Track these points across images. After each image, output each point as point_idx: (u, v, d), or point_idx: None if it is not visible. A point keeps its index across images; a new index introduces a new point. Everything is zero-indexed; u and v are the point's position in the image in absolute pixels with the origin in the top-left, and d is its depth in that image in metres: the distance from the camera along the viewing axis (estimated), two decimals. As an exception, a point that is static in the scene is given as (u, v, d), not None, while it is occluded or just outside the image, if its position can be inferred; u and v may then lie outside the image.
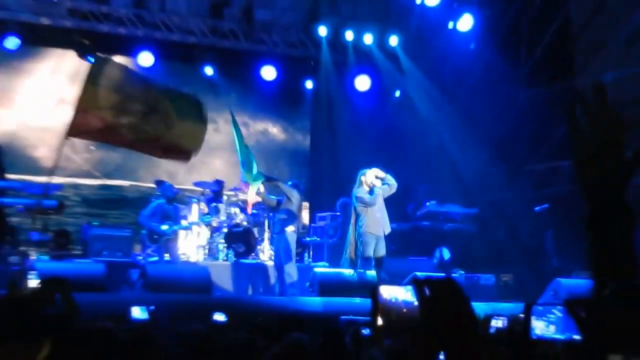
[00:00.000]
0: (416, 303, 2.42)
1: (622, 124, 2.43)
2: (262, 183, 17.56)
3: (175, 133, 15.38)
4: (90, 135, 15.76)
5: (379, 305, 9.82)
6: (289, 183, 17.49)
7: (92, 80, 15.31)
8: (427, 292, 2.37)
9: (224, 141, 22.05)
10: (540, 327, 7.14)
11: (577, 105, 2.46)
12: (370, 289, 10.78)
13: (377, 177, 16.36)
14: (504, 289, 16.94)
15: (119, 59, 20.08)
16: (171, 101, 16.16)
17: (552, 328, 7.09)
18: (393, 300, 9.60)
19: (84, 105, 14.82)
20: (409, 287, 9.25)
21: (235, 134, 17.91)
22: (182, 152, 15.91)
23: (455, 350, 2.38)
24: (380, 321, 9.76)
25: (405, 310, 9.35)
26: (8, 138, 19.15)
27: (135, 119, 15.58)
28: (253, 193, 17.56)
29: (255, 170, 17.60)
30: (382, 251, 16.44)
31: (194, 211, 18.31)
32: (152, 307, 10.48)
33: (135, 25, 21.03)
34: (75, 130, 14.85)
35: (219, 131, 21.99)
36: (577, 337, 2.65)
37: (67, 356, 4.59)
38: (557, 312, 6.63)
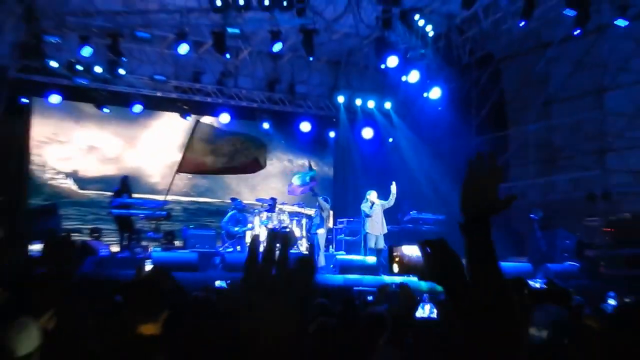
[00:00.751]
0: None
1: (499, 178, 2.41)
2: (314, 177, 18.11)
3: (249, 155, 15.87)
4: (193, 170, 16.24)
5: (394, 257, 10.25)
6: (321, 197, 17.87)
7: (192, 135, 15.80)
8: (427, 249, 2.43)
9: (276, 171, 22.50)
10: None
11: (473, 161, 2.49)
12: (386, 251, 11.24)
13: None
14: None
15: (207, 118, 20.56)
16: (245, 139, 16.68)
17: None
18: (408, 254, 10.07)
19: (188, 152, 15.32)
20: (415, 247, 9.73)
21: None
22: (255, 168, 16.43)
23: (446, 284, 2.43)
24: (395, 268, 10.16)
25: (412, 258, 9.81)
26: (134, 170, 19.24)
27: (223, 157, 16.04)
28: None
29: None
30: (380, 245, 16.81)
31: (256, 218, 18.33)
32: (228, 281, 10.79)
33: (218, 96, 21.27)
34: (183, 168, 15.33)
35: (273, 165, 22.38)
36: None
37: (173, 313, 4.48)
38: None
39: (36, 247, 7.78)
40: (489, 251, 2.36)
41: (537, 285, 7.92)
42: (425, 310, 4.17)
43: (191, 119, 20.35)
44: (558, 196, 18.49)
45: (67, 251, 2.91)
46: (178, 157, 16.62)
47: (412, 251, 2.97)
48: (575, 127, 18.42)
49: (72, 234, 18.29)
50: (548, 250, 17.82)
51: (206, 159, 16.00)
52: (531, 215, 18.29)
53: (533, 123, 19.03)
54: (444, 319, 4.04)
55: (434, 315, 4.10)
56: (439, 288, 2.46)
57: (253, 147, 16.94)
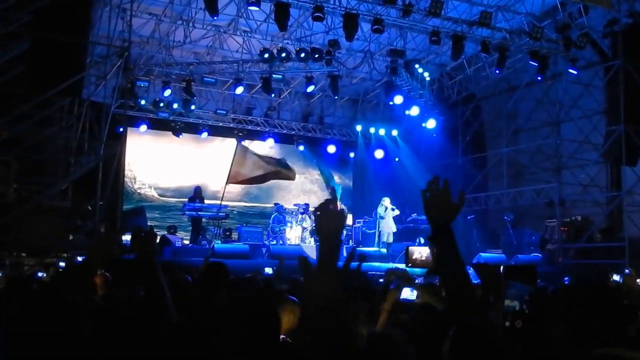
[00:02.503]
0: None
1: (448, 189, 2.49)
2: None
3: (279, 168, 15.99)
4: (240, 182, 16.43)
5: (411, 255, 10.34)
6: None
7: (240, 154, 15.99)
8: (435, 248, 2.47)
9: (309, 182, 22.74)
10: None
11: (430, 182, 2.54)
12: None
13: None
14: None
15: (256, 143, 20.91)
16: (278, 163, 16.76)
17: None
18: (419, 253, 10.20)
19: (236, 167, 15.55)
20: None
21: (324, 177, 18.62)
22: (283, 177, 16.52)
23: (446, 276, 2.49)
24: (411, 263, 10.30)
25: (423, 257, 9.88)
26: (201, 182, 19.34)
27: (258, 170, 16.19)
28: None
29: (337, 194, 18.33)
30: (390, 240, 17.10)
31: (293, 219, 18.53)
32: (275, 267, 10.89)
33: (265, 126, 21.61)
34: (232, 180, 15.56)
35: (307, 177, 22.66)
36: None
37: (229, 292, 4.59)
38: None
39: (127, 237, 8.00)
40: (455, 252, 2.40)
41: None
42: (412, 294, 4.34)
43: (245, 143, 20.70)
44: (525, 202, 18.59)
45: (150, 240, 2.92)
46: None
47: (423, 251, 3.03)
48: (537, 150, 18.55)
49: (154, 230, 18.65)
50: (518, 244, 17.96)
51: (246, 172, 16.07)
52: (505, 217, 18.48)
53: (505, 147, 19.18)
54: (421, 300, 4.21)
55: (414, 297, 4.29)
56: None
57: (281, 166, 16.95)
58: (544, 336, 2.36)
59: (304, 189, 22.38)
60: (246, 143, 20.67)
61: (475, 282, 2.96)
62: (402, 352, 2.14)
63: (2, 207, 13.11)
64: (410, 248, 10.93)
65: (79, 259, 9.95)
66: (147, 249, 2.61)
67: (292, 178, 17.30)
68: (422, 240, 17.91)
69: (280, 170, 16.71)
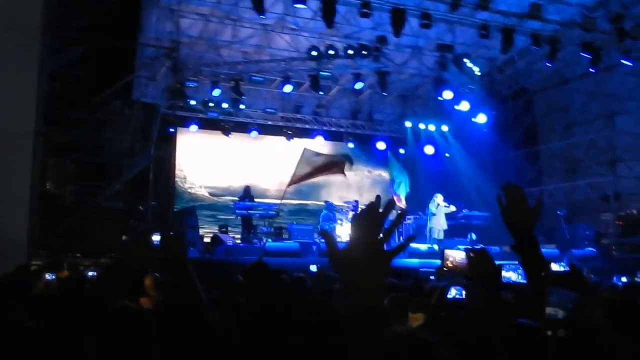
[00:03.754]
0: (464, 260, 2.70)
1: (524, 198, 2.44)
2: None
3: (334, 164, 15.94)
4: (299, 182, 16.46)
5: (446, 259, 10.24)
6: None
7: (300, 159, 16.02)
8: (471, 255, 2.54)
9: (358, 180, 22.69)
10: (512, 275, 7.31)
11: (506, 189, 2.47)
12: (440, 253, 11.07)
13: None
14: (505, 254, 16.71)
15: (305, 140, 20.96)
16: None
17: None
18: (456, 257, 10.07)
19: (297, 171, 15.57)
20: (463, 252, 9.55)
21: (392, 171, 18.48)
22: (336, 171, 16.45)
23: (482, 282, 2.52)
24: (445, 268, 10.19)
25: (459, 263, 9.77)
26: (251, 181, 19.36)
27: (317, 169, 16.13)
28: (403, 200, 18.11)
29: (404, 189, 18.14)
30: (441, 236, 16.95)
31: (343, 216, 18.24)
32: (319, 265, 10.71)
33: (314, 123, 21.72)
34: (292, 182, 15.60)
35: (357, 175, 22.61)
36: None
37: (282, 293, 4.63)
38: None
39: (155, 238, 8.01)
40: (540, 258, 2.35)
41: (562, 268, 7.72)
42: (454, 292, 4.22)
43: (294, 141, 20.79)
44: (579, 197, 18.21)
45: (180, 240, 2.90)
46: (285, 169, 16.59)
47: (459, 255, 2.89)
48: (592, 143, 18.14)
49: (205, 230, 18.69)
50: (572, 238, 17.62)
51: (306, 172, 16.07)
52: (558, 212, 18.11)
53: (558, 141, 18.82)
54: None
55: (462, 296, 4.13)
56: None
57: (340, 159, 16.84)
58: (596, 347, 2.27)
59: (354, 186, 22.31)
60: (295, 141, 20.87)
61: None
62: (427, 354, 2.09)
63: (60, 210, 13.53)
64: (446, 251, 10.76)
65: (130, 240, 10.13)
66: (177, 250, 2.60)
67: (342, 171, 17.17)
68: (474, 237, 17.77)
69: (341, 161, 16.61)
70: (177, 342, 2.42)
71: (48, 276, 4.82)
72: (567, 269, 7.41)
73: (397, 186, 18.68)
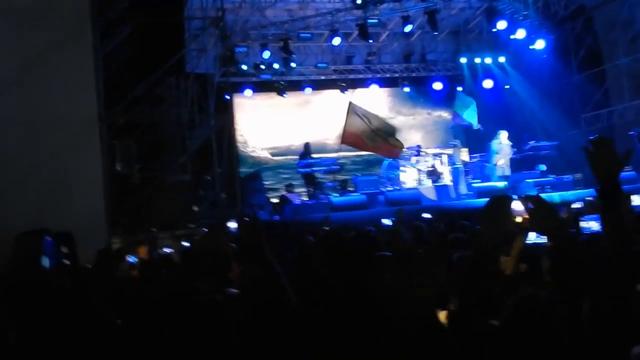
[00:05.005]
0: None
1: (612, 148, 2.35)
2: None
3: (387, 140, 15.83)
4: (351, 143, 16.43)
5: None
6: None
7: (351, 114, 15.95)
8: (529, 204, 2.37)
9: (419, 123, 22.52)
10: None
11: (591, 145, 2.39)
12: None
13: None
14: (579, 182, 16.39)
15: (360, 90, 20.89)
16: (380, 123, 16.50)
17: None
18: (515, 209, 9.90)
19: (346, 126, 15.56)
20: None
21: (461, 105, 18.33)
22: (395, 152, 16.33)
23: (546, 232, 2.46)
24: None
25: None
26: (311, 137, 19.30)
27: (369, 136, 16.05)
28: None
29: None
30: (507, 172, 16.74)
31: (407, 162, 17.99)
32: (393, 219, 10.58)
33: (367, 72, 21.54)
34: (344, 140, 15.60)
35: (416, 119, 22.47)
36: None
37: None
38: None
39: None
40: (626, 211, 2.43)
41: None
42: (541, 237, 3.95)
43: (349, 93, 20.69)
44: (652, 114, 17.51)
45: (255, 225, 2.88)
46: (342, 121, 16.42)
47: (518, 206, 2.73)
48: (660, 55, 17.35)
49: (272, 191, 18.94)
50: (649, 159, 17.06)
51: (359, 133, 15.96)
52: (630, 133, 17.50)
53: (624, 57, 18.08)
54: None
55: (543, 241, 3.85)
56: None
57: (386, 134, 16.65)
58: None
59: (415, 130, 22.11)
60: (350, 93, 20.77)
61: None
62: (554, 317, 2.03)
63: (131, 189, 13.96)
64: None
65: (205, 229, 10.37)
66: (254, 235, 2.64)
67: (397, 154, 16.95)
68: (544, 168, 17.43)
69: (390, 144, 16.45)
70: (260, 327, 2.47)
71: (129, 259, 4.99)
72: None
73: (466, 112, 18.47)
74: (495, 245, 2.38)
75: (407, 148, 19.08)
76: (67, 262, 3.65)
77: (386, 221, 9.52)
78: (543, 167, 17.49)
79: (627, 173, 16.29)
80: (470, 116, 18.57)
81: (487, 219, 2.40)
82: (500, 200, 2.47)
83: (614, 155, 2.34)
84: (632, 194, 6.79)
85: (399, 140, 16.61)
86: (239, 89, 19.82)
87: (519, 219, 2.93)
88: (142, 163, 14.92)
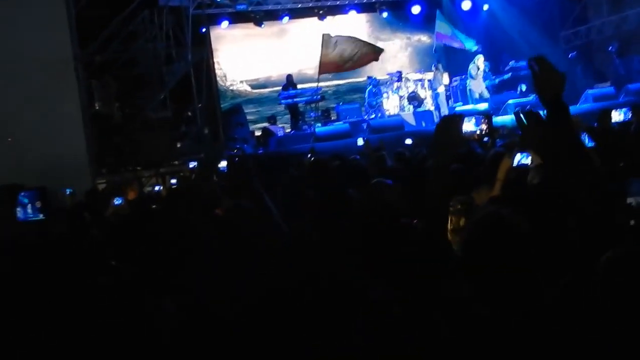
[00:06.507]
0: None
1: (553, 66, 2.36)
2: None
3: (366, 51, 15.66)
4: (330, 70, 16.28)
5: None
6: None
7: (326, 43, 15.71)
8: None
9: (398, 48, 22.25)
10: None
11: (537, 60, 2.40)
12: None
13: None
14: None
15: (339, 17, 20.52)
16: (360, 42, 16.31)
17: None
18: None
19: (322, 57, 15.35)
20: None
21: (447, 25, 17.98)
22: (371, 58, 16.21)
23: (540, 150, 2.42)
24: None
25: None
26: (291, 70, 19.14)
27: (347, 58, 15.89)
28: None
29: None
30: (485, 95, 16.76)
31: (389, 89, 18.15)
32: (365, 137, 10.51)
33: (344, -2, 21.19)
34: (322, 70, 15.44)
35: (395, 43, 22.19)
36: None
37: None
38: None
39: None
40: (572, 128, 2.37)
41: (622, 116, 6.99)
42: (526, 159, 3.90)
43: (327, 20, 20.33)
44: (629, 27, 17.37)
45: (244, 164, 2.85)
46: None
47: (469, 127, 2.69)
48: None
49: (253, 123, 18.80)
50: (626, 73, 17.07)
51: (336, 60, 15.80)
52: (609, 48, 17.49)
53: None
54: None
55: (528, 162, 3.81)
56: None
57: (367, 47, 16.49)
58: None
59: (395, 56, 21.85)
60: (328, 20, 20.41)
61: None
62: (516, 235, 2.03)
63: (112, 128, 13.83)
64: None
65: (191, 164, 10.37)
66: (243, 172, 2.63)
67: (377, 58, 16.79)
68: (524, 88, 17.40)
69: (368, 51, 16.30)
70: (249, 249, 2.47)
71: (116, 201, 4.94)
72: (629, 115, 6.75)
73: (459, 35, 18.19)
74: (446, 162, 2.38)
75: (388, 74, 19.04)
76: (42, 216, 3.69)
77: (359, 141, 9.52)
78: (524, 87, 17.43)
79: (605, 89, 16.42)
80: (466, 40, 18.20)
81: (438, 137, 2.42)
82: (450, 118, 2.51)
83: (556, 73, 2.37)
84: (612, 109, 6.76)
85: (377, 47, 16.54)
86: (215, 21, 19.36)
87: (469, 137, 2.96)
88: (121, 101, 14.75)
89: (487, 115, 2.70)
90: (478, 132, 2.79)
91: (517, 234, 2.03)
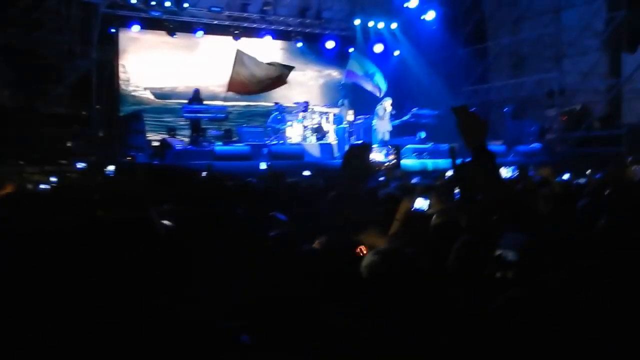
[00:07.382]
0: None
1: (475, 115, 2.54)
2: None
3: (278, 76, 15.71)
4: (237, 91, 16.18)
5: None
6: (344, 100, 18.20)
7: (235, 62, 15.62)
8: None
9: (308, 79, 22.42)
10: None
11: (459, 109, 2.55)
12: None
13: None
14: (452, 151, 16.88)
15: (253, 40, 20.44)
16: (276, 66, 16.35)
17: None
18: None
19: (233, 74, 15.23)
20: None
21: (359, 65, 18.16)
22: (278, 84, 16.24)
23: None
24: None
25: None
26: (199, 85, 18.64)
27: (258, 81, 15.87)
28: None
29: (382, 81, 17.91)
30: (387, 137, 17.09)
31: (294, 117, 18.16)
32: (269, 163, 10.51)
33: (261, 22, 20.99)
34: (231, 88, 15.30)
35: (306, 74, 22.35)
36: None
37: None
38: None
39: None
40: (494, 166, 2.49)
41: (510, 173, 7.51)
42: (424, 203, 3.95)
43: (241, 41, 20.20)
44: (525, 93, 18.37)
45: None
46: (230, 69, 16.08)
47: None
48: (538, 39, 18.15)
49: (152, 133, 18.26)
50: (518, 135, 17.90)
51: (245, 81, 15.78)
52: (505, 110, 18.32)
53: (506, 37, 18.80)
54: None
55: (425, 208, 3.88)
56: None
57: (278, 71, 16.60)
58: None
59: (304, 86, 22.00)
60: (243, 41, 20.30)
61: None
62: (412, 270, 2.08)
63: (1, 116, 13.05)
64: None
65: (79, 165, 9.89)
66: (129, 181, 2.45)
67: (285, 80, 16.86)
68: (423, 135, 17.87)
69: (279, 75, 16.36)
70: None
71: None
72: (515, 174, 7.21)
73: (373, 78, 18.45)
74: (355, 188, 2.41)
75: (295, 103, 19.11)
76: None
77: (262, 165, 9.49)
78: (423, 134, 17.91)
79: (497, 146, 17.14)
80: (381, 82, 18.51)
81: (347, 165, 2.45)
82: (360, 147, 2.55)
83: (479, 121, 2.50)
84: (502, 167, 7.13)
85: (288, 65, 16.61)
86: (126, 23, 18.77)
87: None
88: (14, 90, 13.97)
89: (396, 147, 2.72)
90: (386, 163, 2.83)
91: (418, 270, 2.10)
